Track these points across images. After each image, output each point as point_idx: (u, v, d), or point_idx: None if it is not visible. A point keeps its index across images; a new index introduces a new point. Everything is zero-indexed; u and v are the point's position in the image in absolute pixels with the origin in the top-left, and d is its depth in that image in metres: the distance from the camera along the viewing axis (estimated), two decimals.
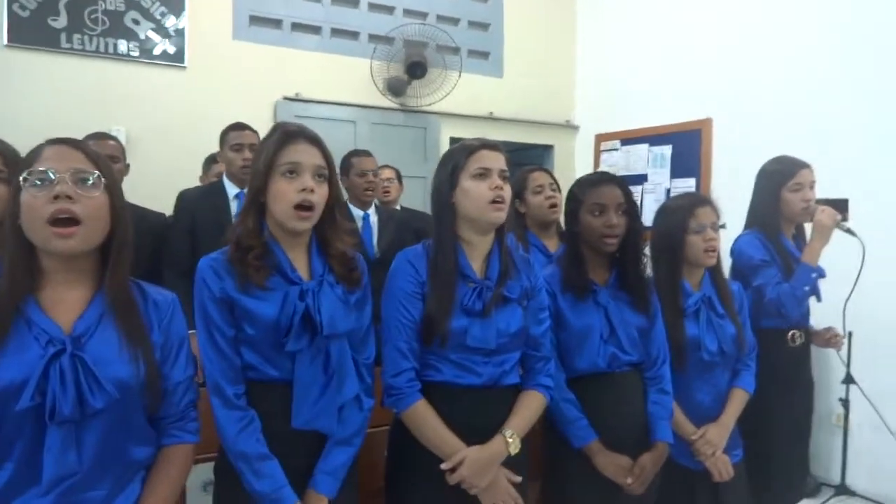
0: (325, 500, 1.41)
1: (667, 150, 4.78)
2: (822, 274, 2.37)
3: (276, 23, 4.46)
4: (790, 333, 2.41)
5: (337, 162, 3.31)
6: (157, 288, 1.33)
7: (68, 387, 1.12)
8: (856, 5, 3.67)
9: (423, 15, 4.92)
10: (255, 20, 4.39)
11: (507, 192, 1.61)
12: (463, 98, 4.94)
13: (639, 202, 4.84)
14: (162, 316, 1.29)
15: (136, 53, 4.00)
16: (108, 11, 3.91)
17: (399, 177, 4.04)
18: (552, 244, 2.58)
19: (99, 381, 1.15)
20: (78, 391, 1.13)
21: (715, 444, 1.95)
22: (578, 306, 1.83)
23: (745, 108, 4.23)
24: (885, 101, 3.51)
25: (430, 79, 4.78)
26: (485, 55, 5.22)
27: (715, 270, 2.08)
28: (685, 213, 1.99)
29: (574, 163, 5.52)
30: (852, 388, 3.41)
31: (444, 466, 1.52)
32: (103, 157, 1.25)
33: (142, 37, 4.01)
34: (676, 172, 4.73)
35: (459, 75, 4.86)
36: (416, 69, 4.70)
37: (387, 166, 4.02)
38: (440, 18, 4.99)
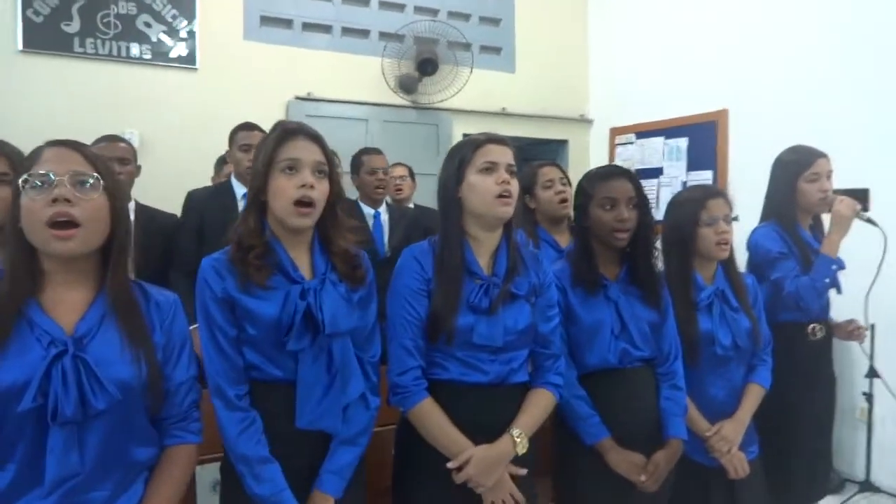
0: (331, 500, 1.40)
1: (682, 142, 4.72)
2: (841, 266, 2.32)
3: (287, 23, 4.47)
4: (810, 327, 2.36)
5: (347, 160, 3.34)
6: (158, 288, 1.33)
7: (70, 388, 1.12)
8: None
9: (434, 12, 4.90)
10: (266, 20, 4.40)
11: (515, 186, 1.58)
12: (475, 94, 4.91)
13: (655, 196, 4.79)
14: (164, 316, 1.29)
15: (149, 56, 4.03)
16: (121, 15, 3.94)
17: (412, 174, 4.03)
18: (563, 239, 2.55)
19: (101, 382, 1.15)
20: (80, 392, 1.13)
21: (730, 440, 1.91)
22: (589, 301, 1.80)
23: (761, 97, 4.16)
24: None
25: (442, 75, 4.76)
26: (497, 50, 5.18)
27: (728, 263, 2.03)
28: (697, 205, 1.96)
29: (589, 157, 5.47)
30: (876, 381, 3.33)
31: (450, 465, 1.50)
32: (102, 158, 1.24)
33: (153, 39, 4.04)
34: (693, 165, 4.67)
35: (471, 71, 4.84)
36: (427, 66, 4.68)
37: (399, 164, 4.01)
38: (451, 14, 4.96)
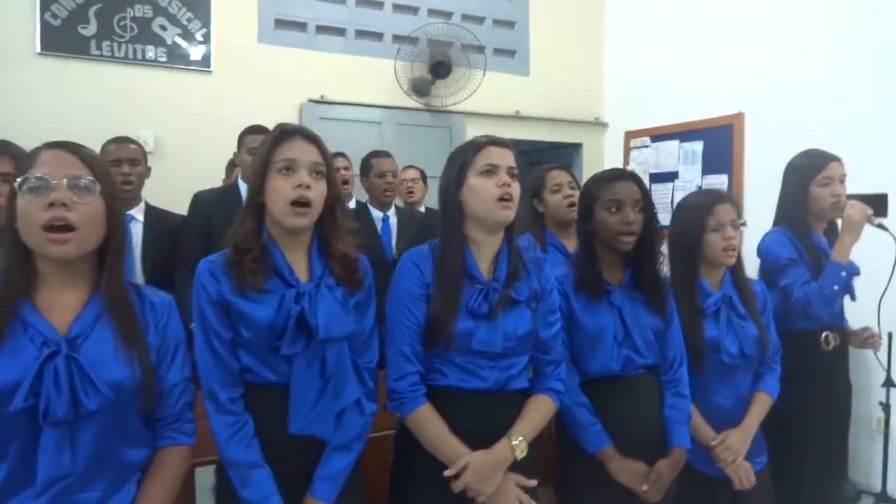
0: None
1: (698, 146, 4.66)
2: (855, 271, 2.27)
3: (301, 25, 4.49)
4: (823, 335, 2.32)
5: (357, 163, 3.34)
6: (153, 290, 1.33)
7: (62, 388, 1.13)
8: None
9: (448, 14, 4.89)
10: (280, 23, 4.42)
11: (516, 189, 1.56)
12: (489, 97, 4.89)
13: (670, 200, 4.73)
14: (158, 318, 1.29)
15: (164, 59, 4.06)
16: (137, 18, 3.98)
17: (424, 177, 4.02)
18: (571, 244, 2.53)
19: (93, 383, 1.15)
20: (72, 392, 1.14)
21: (736, 450, 1.87)
22: (592, 307, 1.78)
23: (777, 101, 4.09)
24: None
25: (455, 78, 4.75)
26: (511, 53, 5.16)
27: (737, 269, 1.99)
28: (704, 210, 1.92)
29: (603, 161, 5.42)
30: (893, 391, 3.25)
31: (447, 473, 1.48)
32: (99, 160, 1.25)
33: (169, 42, 4.07)
34: (708, 169, 4.60)
35: (484, 74, 4.82)
36: (441, 69, 4.67)
37: (411, 167, 4.01)
38: (465, 17, 4.95)
